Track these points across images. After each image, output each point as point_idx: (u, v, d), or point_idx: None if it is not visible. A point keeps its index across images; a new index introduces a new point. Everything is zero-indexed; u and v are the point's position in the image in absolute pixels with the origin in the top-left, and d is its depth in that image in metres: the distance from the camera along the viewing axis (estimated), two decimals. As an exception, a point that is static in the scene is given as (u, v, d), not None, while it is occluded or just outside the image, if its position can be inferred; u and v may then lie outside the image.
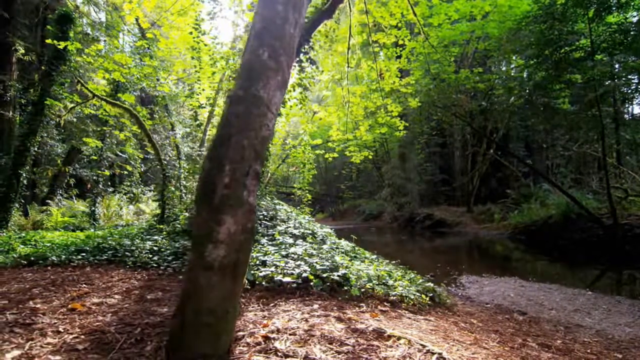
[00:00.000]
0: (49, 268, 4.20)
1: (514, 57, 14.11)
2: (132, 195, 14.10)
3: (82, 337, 2.06)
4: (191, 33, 7.33)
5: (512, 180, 19.65)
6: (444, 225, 17.26)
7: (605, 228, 10.10)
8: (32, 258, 4.49)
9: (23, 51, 14.13)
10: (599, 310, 4.81)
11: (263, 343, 2.01)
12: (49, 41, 7.14)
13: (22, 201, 9.24)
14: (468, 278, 6.85)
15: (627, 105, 19.81)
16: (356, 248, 5.29)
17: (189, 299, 1.87)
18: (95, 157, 10.25)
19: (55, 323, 2.29)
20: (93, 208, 10.35)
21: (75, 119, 14.03)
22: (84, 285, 3.36)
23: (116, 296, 2.99)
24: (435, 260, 9.44)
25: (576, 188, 14.64)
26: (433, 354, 1.98)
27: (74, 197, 12.37)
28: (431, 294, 4.01)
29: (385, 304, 3.38)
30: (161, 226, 5.44)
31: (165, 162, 7.04)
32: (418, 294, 3.79)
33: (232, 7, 7.91)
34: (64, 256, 4.43)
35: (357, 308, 3.02)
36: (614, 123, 14.24)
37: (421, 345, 2.08)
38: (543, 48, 11.34)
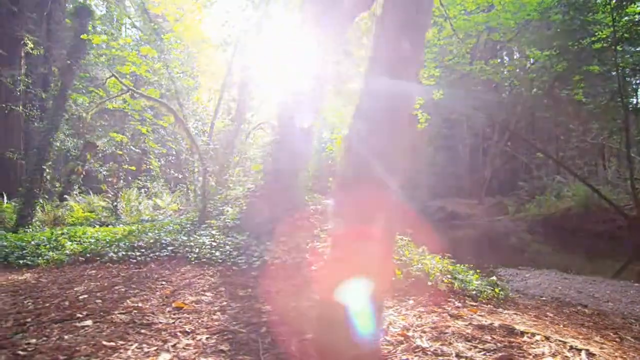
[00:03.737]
0: (110, 265, 4.12)
1: (531, 49, 13.99)
2: (147, 189, 13.97)
3: (215, 337, 2.01)
4: (223, 25, 7.24)
5: (522, 172, 19.69)
6: (457, 217, 17.26)
7: (628, 219, 10.14)
8: (89, 255, 4.42)
9: (32, 45, 13.86)
10: (654, 301, 4.81)
11: (405, 342, 1.97)
12: (83, 36, 6.96)
13: (46, 197, 9.13)
14: (506, 271, 6.83)
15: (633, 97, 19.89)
16: (410, 242, 5.24)
17: (339, 298, 1.82)
18: (121, 152, 10.13)
19: (173, 323, 2.24)
20: (115, 203, 10.25)
21: (84, 114, 13.83)
22: (163, 282, 3.30)
23: (207, 294, 2.93)
24: (459, 253, 9.36)
25: (590, 179, 14.66)
26: (579, 350, 1.95)
27: (90, 192, 12.23)
28: (499, 289, 3.99)
29: (468, 298, 3.35)
30: (212, 221, 5.38)
31: (208, 155, 6.93)
32: (490, 287, 3.77)
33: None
34: (121, 253, 4.36)
35: (450, 303, 2.98)
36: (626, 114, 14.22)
37: (560, 341, 2.05)
38: (566, 39, 11.26)
